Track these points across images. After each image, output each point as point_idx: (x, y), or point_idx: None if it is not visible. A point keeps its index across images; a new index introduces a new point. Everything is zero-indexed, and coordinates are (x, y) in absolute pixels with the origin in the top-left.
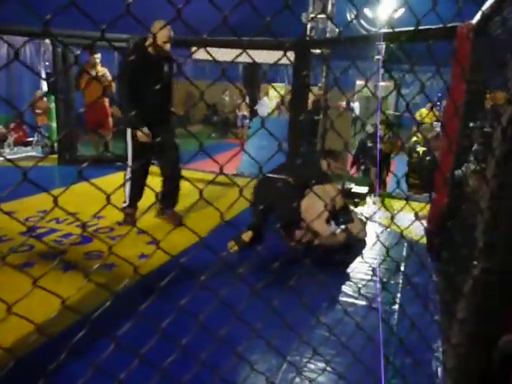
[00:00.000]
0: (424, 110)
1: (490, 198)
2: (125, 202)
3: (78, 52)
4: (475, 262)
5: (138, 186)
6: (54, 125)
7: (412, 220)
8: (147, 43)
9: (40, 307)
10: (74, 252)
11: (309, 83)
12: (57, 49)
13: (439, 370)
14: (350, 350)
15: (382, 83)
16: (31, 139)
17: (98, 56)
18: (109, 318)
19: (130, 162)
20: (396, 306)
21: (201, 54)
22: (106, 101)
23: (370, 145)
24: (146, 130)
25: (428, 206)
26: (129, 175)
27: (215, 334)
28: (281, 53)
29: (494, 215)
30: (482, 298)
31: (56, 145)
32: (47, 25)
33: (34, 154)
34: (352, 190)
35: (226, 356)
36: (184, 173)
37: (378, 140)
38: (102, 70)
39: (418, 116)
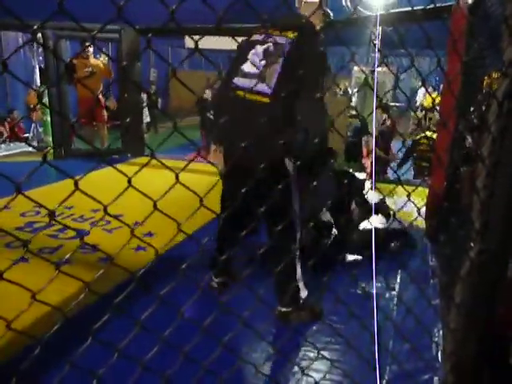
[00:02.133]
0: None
1: (486, 176)
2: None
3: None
4: (472, 244)
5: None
6: (49, 119)
7: (405, 202)
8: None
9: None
10: (70, 246)
11: None
12: (48, 42)
13: (439, 355)
14: (345, 337)
15: (378, 69)
16: (27, 135)
17: (90, 45)
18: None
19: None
20: (394, 292)
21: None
22: (100, 93)
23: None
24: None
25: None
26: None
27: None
28: None
29: (491, 194)
30: (478, 280)
31: (51, 139)
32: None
33: (30, 149)
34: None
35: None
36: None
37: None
38: (94, 62)
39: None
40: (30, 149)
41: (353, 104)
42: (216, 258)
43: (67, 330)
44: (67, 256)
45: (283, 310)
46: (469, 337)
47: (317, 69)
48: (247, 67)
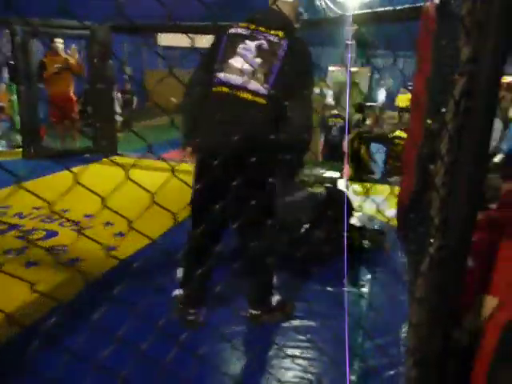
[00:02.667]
0: (400, 97)
1: (444, 174)
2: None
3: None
4: (432, 240)
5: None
6: (18, 118)
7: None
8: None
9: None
10: (38, 247)
11: None
12: (16, 37)
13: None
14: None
15: (353, 68)
16: None
17: (59, 41)
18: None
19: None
20: (365, 290)
21: (168, 41)
22: (71, 90)
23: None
24: None
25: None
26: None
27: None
28: None
29: (449, 192)
30: (439, 275)
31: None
32: None
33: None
34: (324, 175)
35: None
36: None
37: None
38: (64, 58)
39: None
40: (0, 148)
41: (329, 103)
42: (187, 280)
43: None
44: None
45: (254, 312)
46: (432, 332)
47: (309, 69)
48: (237, 62)
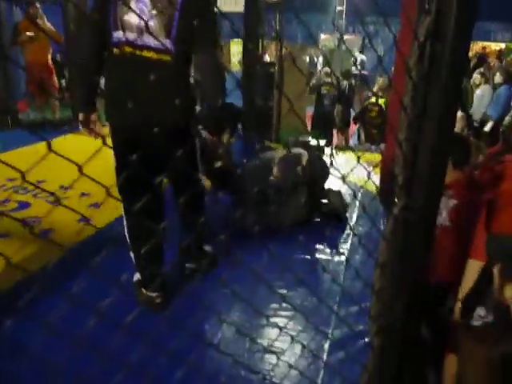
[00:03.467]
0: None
1: (408, 127)
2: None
3: None
4: (396, 200)
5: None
6: None
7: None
8: None
9: None
10: (9, 219)
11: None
12: None
13: None
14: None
15: (346, 36)
16: None
17: (36, 6)
18: None
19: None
20: (342, 257)
21: None
22: (49, 58)
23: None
24: None
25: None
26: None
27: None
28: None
29: (414, 148)
30: (402, 239)
31: None
32: None
33: None
34: (310, 143)
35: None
36: None
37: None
38: (42, 24)
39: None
40: None
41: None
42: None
43: None
44: None
45: (190, 266)
46: (396, 297)
47: (212, 17)
48: (133, 18)
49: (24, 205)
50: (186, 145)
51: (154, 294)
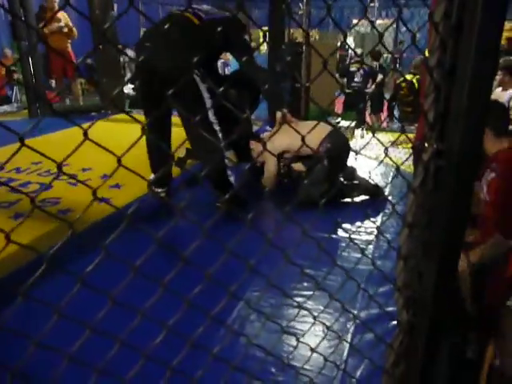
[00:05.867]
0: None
1: (439, 48)
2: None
3: None
4: (426, 144)
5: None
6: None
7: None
8: None
9: None
10: (28, 201)
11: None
12: None
13: None
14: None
15: (378, 21)
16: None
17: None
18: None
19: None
20: (370, 236)
21: None
22: (69, 46)
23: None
24: None
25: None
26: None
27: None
28: None
29: (448, 73)
30: (433, 192)
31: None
32: None
33: (14, 109)
34: (339, 124)
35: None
36: None
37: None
38: (61, 15)
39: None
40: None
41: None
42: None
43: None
44: None
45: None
46: (425, 265)
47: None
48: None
49: (45, 187)
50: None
51: (159, 190)
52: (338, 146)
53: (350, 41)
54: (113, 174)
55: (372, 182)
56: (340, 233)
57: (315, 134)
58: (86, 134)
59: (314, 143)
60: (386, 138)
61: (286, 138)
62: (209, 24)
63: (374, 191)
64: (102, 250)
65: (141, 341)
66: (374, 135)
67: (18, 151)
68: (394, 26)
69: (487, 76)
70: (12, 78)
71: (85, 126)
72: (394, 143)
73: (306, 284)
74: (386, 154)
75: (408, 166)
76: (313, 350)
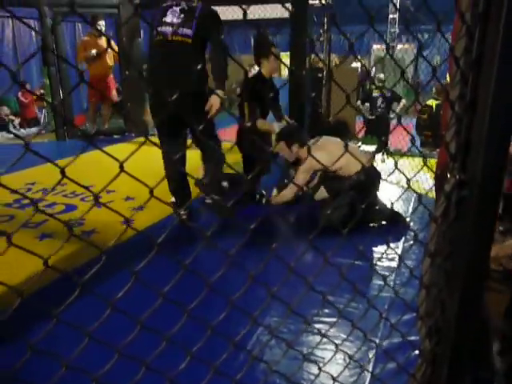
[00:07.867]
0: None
1: (461, 81)
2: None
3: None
4: (448, 175)
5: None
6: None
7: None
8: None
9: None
10: (55, 221)
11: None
12: (45, 19)
13: None
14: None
15: (399, 45)
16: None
17: (101, 23)
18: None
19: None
20: (392, 263)
21: None
22: (110, 73)
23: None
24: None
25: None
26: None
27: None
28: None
29: (472, 105)
30: (455, 222)
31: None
32: None
33: (42, 132)
34: (360, 149)
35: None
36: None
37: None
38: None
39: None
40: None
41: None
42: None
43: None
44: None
45: (207, 201)
46: (448, 294)
47: (217, 21)
48: (169, 18)
49: (71, 207)
50: (201, 103)
51: (182, 212)
52: (371, 179)
53: (370, 65)
54: (146, 203)
55: (393, 209)
56: (361, 259)
57: (354, 158)
58: (121, 166)
59: (350, 170)
60: (407, 162)
61: (325, 156)
62: (195, 38)
63: (395, 218)
64: (131, 274)
65: (164, 365)
66: (396, 167)
67: (58, 183)
68: (414, 51)
69: (507, 108)
70: (41, 102)
71: (108, 148)
72: (416, 174)
73: (326, 310)
74: (409, 186)
75: (430, 191)
76: (334, 379)
